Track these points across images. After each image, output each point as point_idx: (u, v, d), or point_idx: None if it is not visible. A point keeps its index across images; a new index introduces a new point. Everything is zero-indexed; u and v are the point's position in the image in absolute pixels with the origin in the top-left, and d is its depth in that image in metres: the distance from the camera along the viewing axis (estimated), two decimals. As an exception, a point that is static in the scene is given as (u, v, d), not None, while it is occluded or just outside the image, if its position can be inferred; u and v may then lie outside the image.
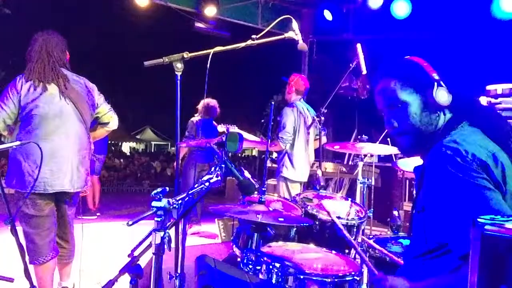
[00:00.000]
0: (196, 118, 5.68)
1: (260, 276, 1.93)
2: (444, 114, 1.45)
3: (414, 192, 5.10)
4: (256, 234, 2.18)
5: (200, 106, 5.69)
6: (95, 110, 3.01)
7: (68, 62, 2.97)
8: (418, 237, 1.43)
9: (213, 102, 5.72)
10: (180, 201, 1.48)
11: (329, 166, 5.25)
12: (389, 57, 1.54)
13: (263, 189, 2.21)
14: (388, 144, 3.49)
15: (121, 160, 16.48)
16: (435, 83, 1.42)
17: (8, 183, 2.75)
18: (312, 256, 2.16)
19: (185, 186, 5.18)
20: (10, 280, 2.12)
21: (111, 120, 3.10)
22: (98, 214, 6.73)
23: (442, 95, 1.41)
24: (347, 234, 1.91)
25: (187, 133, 5.64)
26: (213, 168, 1.63)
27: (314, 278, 1.87)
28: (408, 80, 1.45)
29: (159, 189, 1.45)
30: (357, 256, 2.43)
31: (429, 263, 1.36)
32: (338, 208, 2.80)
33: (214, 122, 5.79)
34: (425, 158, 1.45)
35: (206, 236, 5.69)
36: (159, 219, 1.42)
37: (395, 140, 1.53)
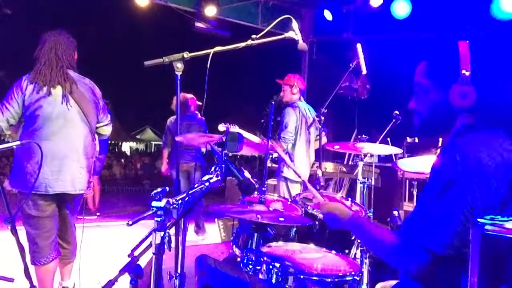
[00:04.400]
0: (172, 118, 5.44)
1: (260, 276, 1.93)
2: (457, 113, 1.43)
3: (415, 192, 5.12)
4: (256, 234, 2.18)
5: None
6: (99, 113, 2.98)
7: (75, 62, 2.93)
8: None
9: (187, 96, 5.42)
10: (180, 201, 1.48)
11: (329, 166, 5.24)
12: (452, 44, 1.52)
13: (263, 189, 2.21)
14: (388, 144, 3.48)
15: (121, 160, 16.50)
16: (459, 81, 1.38)
17: (12, 183, 2.75)
18: (312, 256, 2.16)
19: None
20: (10, 280, 2.12)
21: (107, 132, 3.11)
22: (98, 214, 6.72)
23: (459, 95, 1.39)
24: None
25: (163, 136, 5.47)
26: (213, 168, 1.63)
27: (314, 278, 1.87)
28: (437, 69, 1.48)
29: (159, 189, 1.45)
30: (357, 256, 2.43)
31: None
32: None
33: (199, 116, 5.48)
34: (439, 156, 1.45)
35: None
36: (159, 219, 1.42)
37: (413, 116, 1.60)
